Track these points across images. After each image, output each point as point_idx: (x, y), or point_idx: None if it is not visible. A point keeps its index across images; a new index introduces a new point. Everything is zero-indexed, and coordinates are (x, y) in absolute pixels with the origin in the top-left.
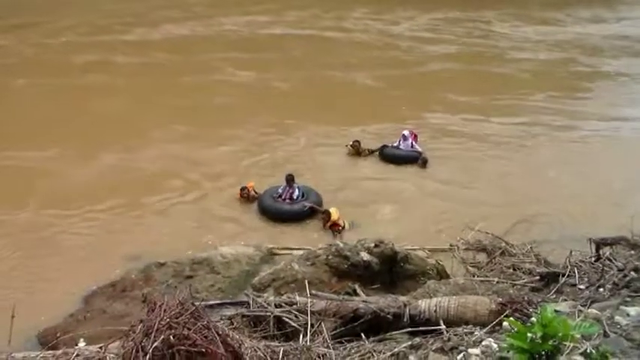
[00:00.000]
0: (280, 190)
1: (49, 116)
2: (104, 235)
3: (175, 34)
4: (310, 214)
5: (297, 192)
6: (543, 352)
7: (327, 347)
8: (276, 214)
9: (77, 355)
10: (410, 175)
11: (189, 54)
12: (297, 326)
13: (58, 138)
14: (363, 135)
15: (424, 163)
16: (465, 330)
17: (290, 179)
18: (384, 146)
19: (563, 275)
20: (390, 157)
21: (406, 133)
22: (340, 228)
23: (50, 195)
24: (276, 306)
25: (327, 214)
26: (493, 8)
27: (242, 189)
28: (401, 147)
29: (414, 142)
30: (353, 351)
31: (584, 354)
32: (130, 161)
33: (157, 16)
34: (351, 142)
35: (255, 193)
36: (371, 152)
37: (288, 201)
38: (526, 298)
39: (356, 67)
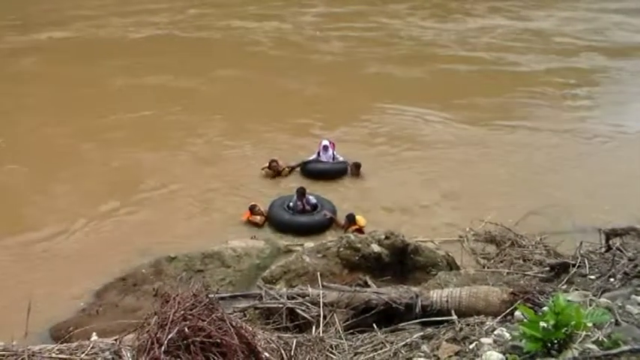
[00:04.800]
0: (292, 204)
1: None
2: (112, 232)
3: (69, 37)
4: (330, 224)
5: (314, 201)
6: (556, 340)
7: (340, 338)
8: (298, 228)
9: (92, 348)
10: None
11: (87, 60)
12: (310, 318)
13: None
14: (285, 148)
15: (357, 169)
16: (477, 320)
17: (302, 193)
18: (307, 162)
19: (574, 266)
20: (316, 172)
21: (326, 142)
22: None
23: (40, 202)
24: (288, 298)
25: (352, 219)
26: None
27: (252, 209)
28: (322, 159)
29: (334, 152)
30: (365, 342)
31: (596, 342)
32: (104, 170)
33: (48, 20)
34: (267, 164)
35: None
36: (292, 170)
37: (308, 208)
38: (537, 288)
39: (267, 69)
